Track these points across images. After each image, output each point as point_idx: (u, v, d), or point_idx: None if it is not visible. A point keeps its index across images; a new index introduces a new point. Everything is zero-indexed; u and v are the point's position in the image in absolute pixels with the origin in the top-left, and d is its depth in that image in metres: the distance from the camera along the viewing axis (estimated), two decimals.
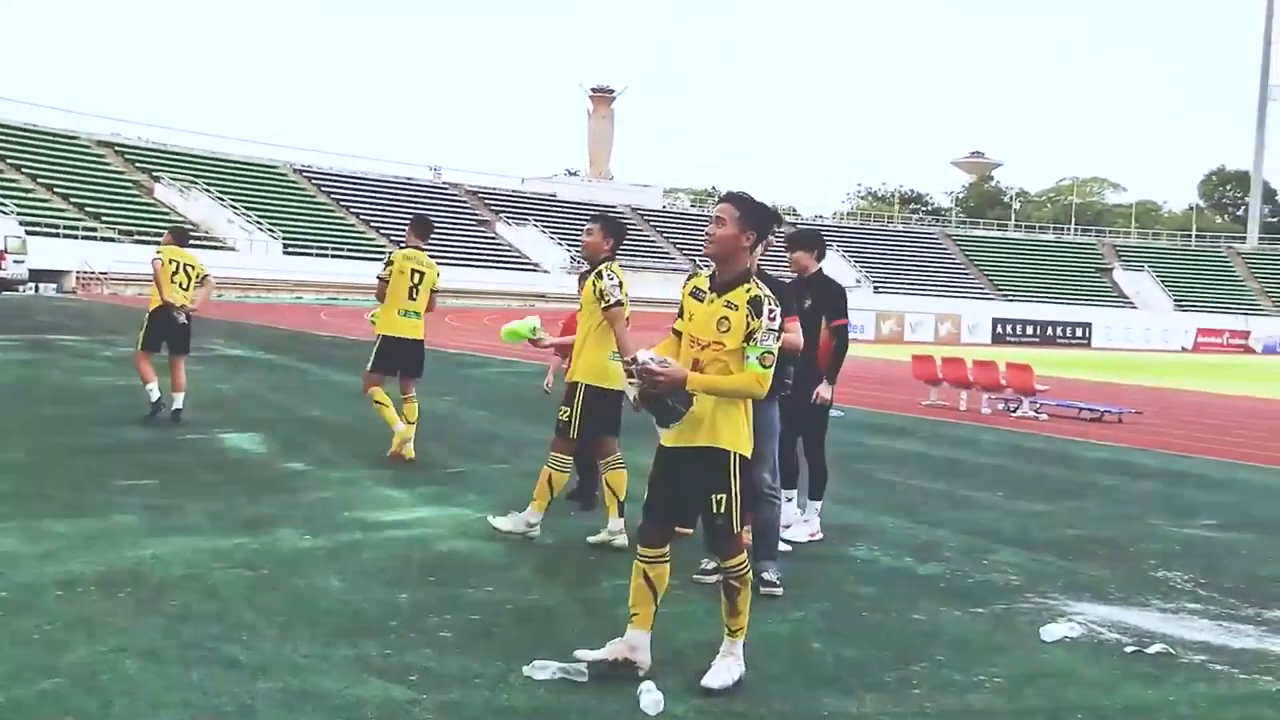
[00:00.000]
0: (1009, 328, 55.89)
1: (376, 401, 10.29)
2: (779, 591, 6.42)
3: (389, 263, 10.34)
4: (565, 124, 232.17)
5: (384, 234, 68.40)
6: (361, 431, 12.06)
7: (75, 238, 52.44)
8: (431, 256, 10.59)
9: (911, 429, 14.87)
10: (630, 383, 5.02)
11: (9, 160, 57.87)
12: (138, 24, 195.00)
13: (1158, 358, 50.50)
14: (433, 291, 10.46)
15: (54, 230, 51.68)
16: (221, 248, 57.64)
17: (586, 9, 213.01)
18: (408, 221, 10.82)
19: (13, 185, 55.24)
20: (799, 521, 7.99)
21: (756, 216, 5.00)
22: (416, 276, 10.31)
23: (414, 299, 10.30)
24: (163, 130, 72.02)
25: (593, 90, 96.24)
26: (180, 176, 64.53)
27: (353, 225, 69.30)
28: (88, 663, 4.88)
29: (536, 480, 7.54)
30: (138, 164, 65.45)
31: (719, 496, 4.91)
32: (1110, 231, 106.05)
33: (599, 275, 7.34)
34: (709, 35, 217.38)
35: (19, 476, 8.89)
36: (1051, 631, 5.99)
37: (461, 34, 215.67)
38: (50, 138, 63.40)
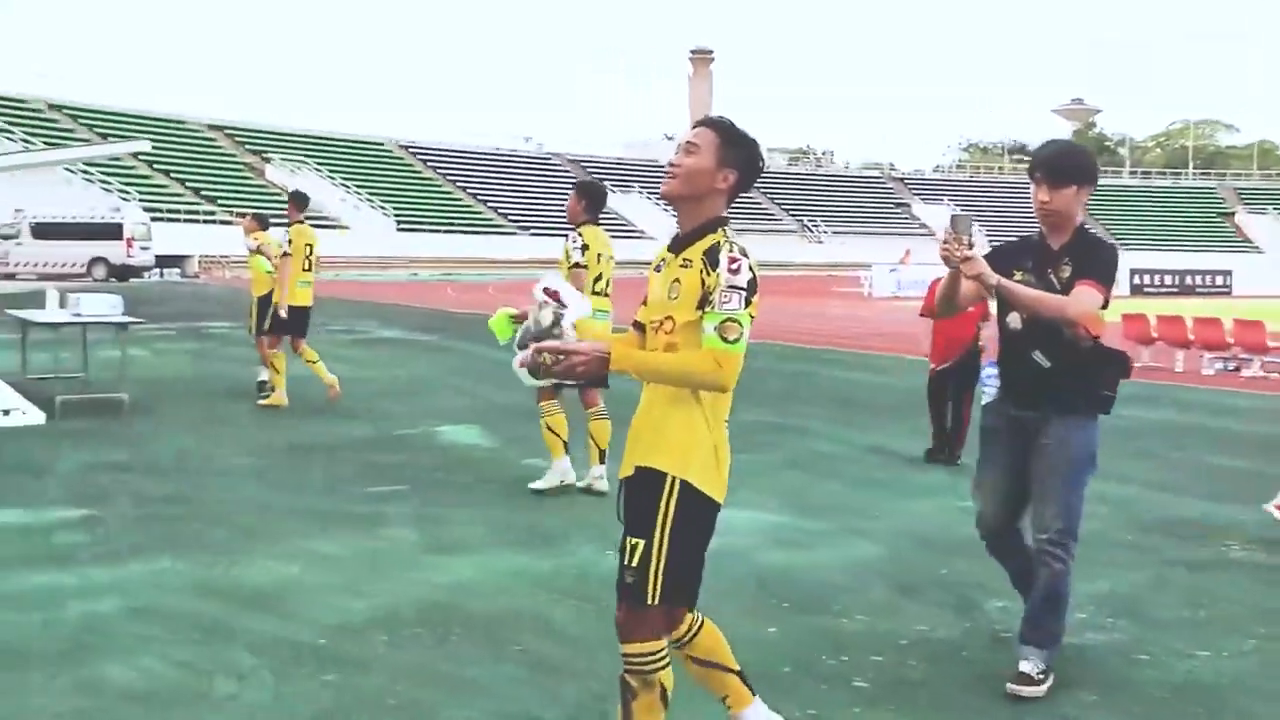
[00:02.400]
0: (1147, 278, 53.50)
1: (276, 365, 11.45)
2: (1030, 693, 4.45)
3: (289, 240, 11.29)
4: (663, 89, 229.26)
5: (491, 207, 67.82)
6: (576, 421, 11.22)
7: (195, 222, 52.57)
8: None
9: (1149, 395, 13.54)
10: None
11: None
12: (227, 10, 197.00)
13: None
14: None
15: (174, 215, 51.82)
16: (335, 226, 57.49)
17: None
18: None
19: (132, 173, 55.51)
20: None
21: (742, 152, 3.50)
22: (309, 249, 11.41)
23: (308, 270, 11.42)
24: (266, 111, 71.61)
25: (692, 52, 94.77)
26: (290, 157, 64.48)
27: (461, 200, 68.80)
28: None
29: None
30: (248, 146, 65.52)
31: (635, 541, 3.42)
32: (1230, 174, 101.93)
33: (569, 238, 7.71)
34: None
35: (258, 485, 8.14)
36: None
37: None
38: (161, 123, 63.61)
